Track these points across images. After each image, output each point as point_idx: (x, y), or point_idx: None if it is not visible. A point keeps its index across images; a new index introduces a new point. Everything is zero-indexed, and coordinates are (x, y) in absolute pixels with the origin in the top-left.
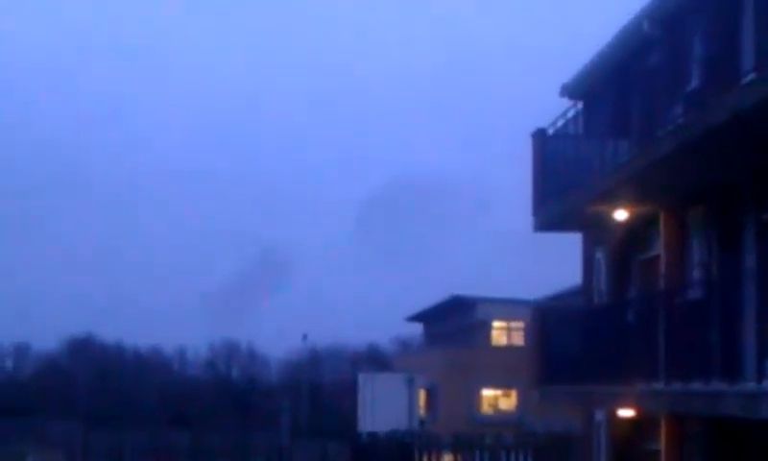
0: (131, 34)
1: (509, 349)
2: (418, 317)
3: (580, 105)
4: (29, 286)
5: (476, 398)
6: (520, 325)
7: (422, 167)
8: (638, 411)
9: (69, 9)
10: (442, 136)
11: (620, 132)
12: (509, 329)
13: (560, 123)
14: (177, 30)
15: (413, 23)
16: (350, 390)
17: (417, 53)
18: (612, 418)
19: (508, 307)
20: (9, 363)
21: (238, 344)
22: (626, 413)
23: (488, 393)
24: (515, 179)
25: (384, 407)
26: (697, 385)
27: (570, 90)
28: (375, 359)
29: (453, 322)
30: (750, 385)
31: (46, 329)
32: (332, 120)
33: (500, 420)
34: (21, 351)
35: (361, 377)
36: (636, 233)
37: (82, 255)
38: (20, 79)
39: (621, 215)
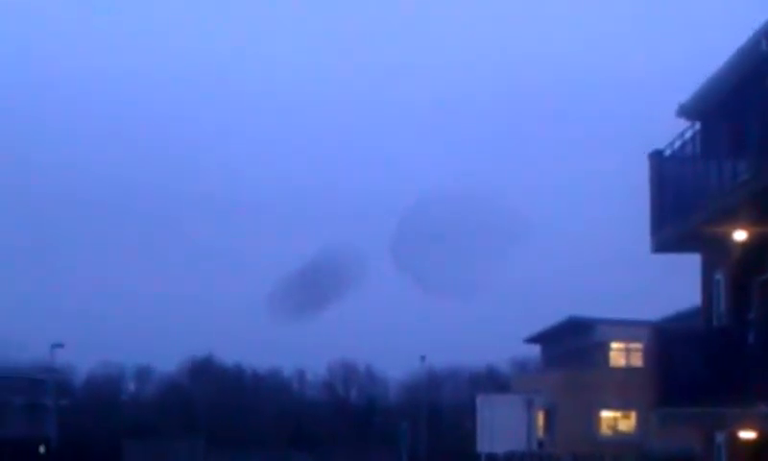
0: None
1: (627, 370)
2: (536, 338)
3: (698, 125)
4: (150, 310)
5: (595, 419)
6: (639, 346)
7: (535, 190)
8: (760, 433)
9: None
10: (552, 158)
11: (739, 152)
12: (627, 350)
13: (677, 144)
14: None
15: (519, 43)
16: (469, 411)
17: (530, 73)
18: (733, 440)
19: (626, 328)
20: (131, 385)
21: (356, 365)
22: (747, 435)
23: (606, 414)
24: (630, 200)
25: (503, 428)
26: None
27: (688, 111)
28: (494, 381)
29: (571, 343)
30: None
31: (167, 352)
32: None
33: (619, 441)
34: (143, 373)
35: (479, 399)
36: (756, 254)
37: (201, 279)
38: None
39: (741, 236)
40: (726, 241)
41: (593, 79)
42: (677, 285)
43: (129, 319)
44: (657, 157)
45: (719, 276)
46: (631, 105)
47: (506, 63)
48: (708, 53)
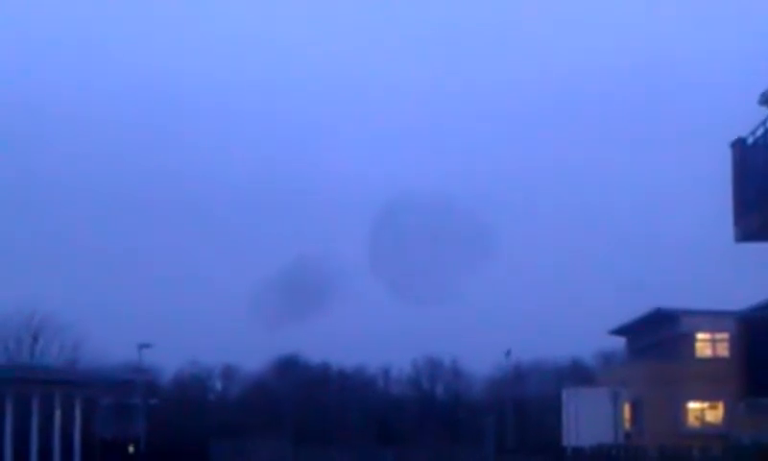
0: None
1: (714, 360)
2: (621, 330)
3: None
4: (236, 309)
5: (682, 410)
6: (725, 336)
7: (618, 183)
8: None
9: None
10: (635, 149)
11: None
12: (713, 341)
13: (759, 131)
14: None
15: (596, 28)
16: (555, 405)
17: (606, 63)
18: None
19: (712, 319)
20: (218, 385)
21: (442, 361)
22: None
23: (693, 406)
24: (714, 190)
25: (589, 422)
26: None
27: None
28: (579, 374)
29: (657, 334)
30: None
31: (253, 351)
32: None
33: (707, 432)
34: (230, 372)
35: (565, 392)
36: None
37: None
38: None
39: None
40: None
41: (673, 69)
42: (762, 275)
43: (215, 318)
44: (739, 145)
45: None
46: (711, 94)
47: (578, 54)
48: None
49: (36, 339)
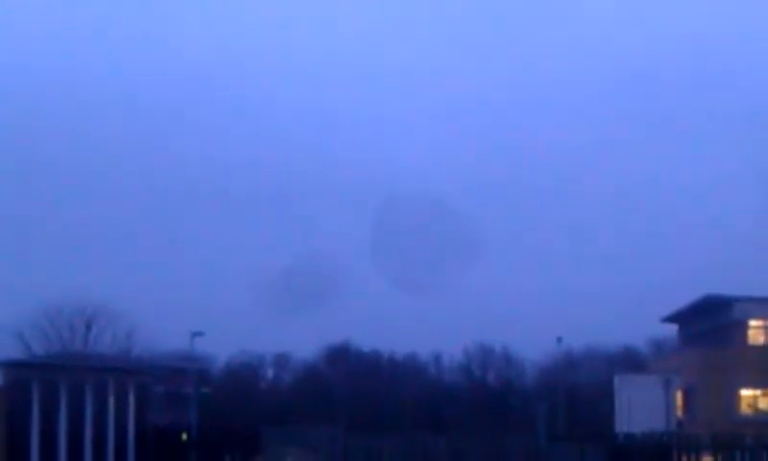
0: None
1: (767, 347)
2: (673, 318)
3: None
4: (287, 298)
5: (734, 398)
6: None
7: (671, 166)
8: None
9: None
10: (683, 132)
11: None
12: (766, 328)
13: None
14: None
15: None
16: (607, 392)
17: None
18: None
19: (765, 306)
20: (269, 373)
21: (493, 348)
22: None
23: (746, 393)
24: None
25: (641, 409)
26: None
27: None
28: (631, 361)
29: (709, 321)
30: None
31: (305, 339)
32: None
33: (760, 420)
34: (281, 360)
35: (618, 380)
36: None
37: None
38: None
39: None
40: None
41: (731, 55)
42: None
43: (266, 307)
44: None
45: None
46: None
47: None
48: None
49: (89, 328)
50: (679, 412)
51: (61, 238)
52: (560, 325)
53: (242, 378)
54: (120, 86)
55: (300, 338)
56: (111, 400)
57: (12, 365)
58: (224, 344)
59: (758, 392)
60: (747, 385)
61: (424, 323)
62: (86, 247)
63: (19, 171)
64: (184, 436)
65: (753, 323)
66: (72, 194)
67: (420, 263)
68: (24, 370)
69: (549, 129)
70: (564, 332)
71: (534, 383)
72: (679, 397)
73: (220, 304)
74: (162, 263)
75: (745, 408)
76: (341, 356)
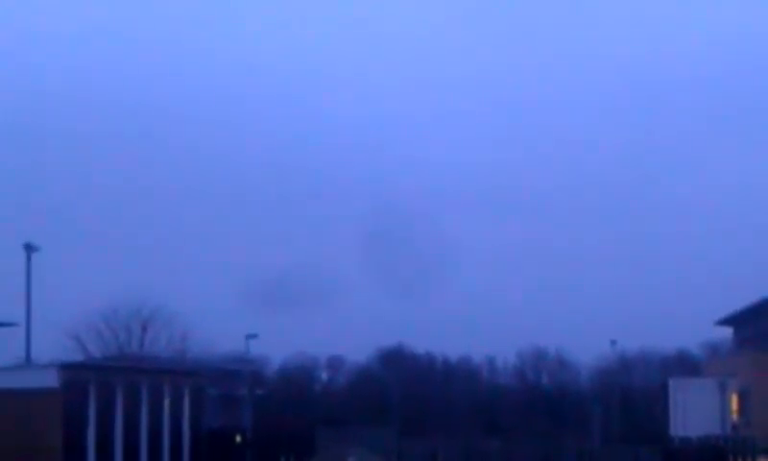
0: None
1: None
2: (728, 320)
3: None
4: (342, 301)
5: None
6: None
7: (725, 169)
8: None
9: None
10: (737, 136)
11: None
12: None
13: None
14: None
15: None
16: (661, 395)
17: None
18: None
19: None
20: (324, 375)
21: (546, 351)
22: None
23: None
24: None
25: (696, 412)
26: None
27: None
28: (685, 364)
29: (765, 324)
30: None
31: (358, 342)
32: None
33: None
34: (335, 363)
35: (672, 383)
36: None
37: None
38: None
39: None
40: None
41: None
42: None
43: (322, 309)
44: None
45: None
46: None
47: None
48: None
49: (145, 329)
50: (734, 416)
51: (118, 240)
52: (614, 327)
53: (296, 381)
54: (160, 90)
55: (354, 340)
56: (167, 403)
57: (69, 367)
58: (278, 346)
59: None
60: None
61: (478, 325)
62: (143, 249)
63: (75, 171)
64: (239, 438)
65: None
66: (130, 195)
67: (473, 267)
68: (81, 371)
69: (596, 127)
70: (618, 335)
71: (588, 386)
72: (734, 400)
73: (273, 306)
74: (217, 265)
75: None
76: (394, 359)
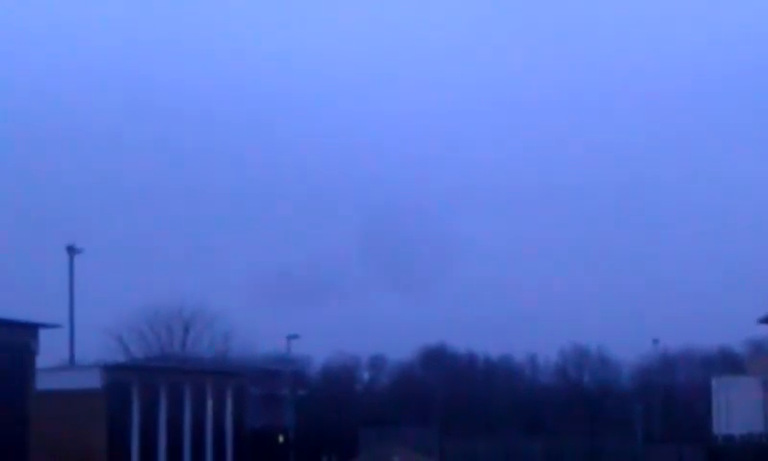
0: None
1: None
2: None
3: None
4: (384, 301)
5: None
6: None
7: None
8: None
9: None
10: None
11: None
12: None
13: None
14: None
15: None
16: (704, 393)
17: None
18: None
19: None
20: (365, 375)
21: (588, 349)
22: None
23: None
24: None
25: (738, 410)
26: None
27: None
28: (727, 362)
29: None
30: None
31: (401, 341)
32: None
33: None
34: (377, 362)
35: (715, 381)
36: None
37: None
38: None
39: None
40: None
41: None
42: None
43: (362, 310)
44: None
45: None
46: None
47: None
48: None
49: (187, 330)
50: None
51: (162, 242)
52: (656, 325)
53: (338, 380)
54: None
55: (396, 340)
56: (209, 403)
57: (113, 368)
58: (320, 346)
59: None
60: None
61: (519, 324)
62: (186, 250)
63: (118, 174)
64: (281, 438)
65: None
66: (173, 198)
67: (515, 266)
68: (124, 372)
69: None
70: (660, 333)
71: (630, 384)
72: None
73: (315, 307)
74: (256, 267)
75: None
76: (436, 358)
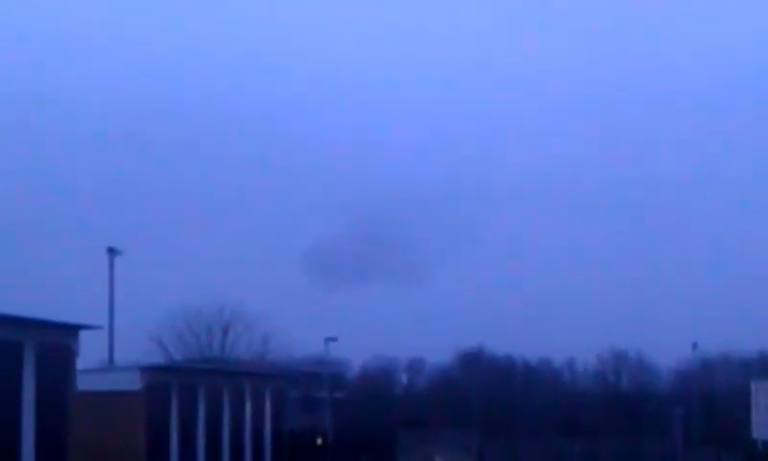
0: None
1: None
2: None
3: None
4: (422, 303)
5: None
6: None
7: None
8: None
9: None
10: None
11: None
12: None
13: None
14: None
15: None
16: (743, 398)
17: None
18: None
19: None
20: (404, 378)
21: (627, 353)
22: None
23: None
24: None
25: None
26: None
27: None
28: (766, 366)
29: None
30: None
31: (439, 344)
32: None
33: None
34: (416, 365)
35: (754, 385)
36: None
37: (469, 272)
38: None
39: None
40: None
41: None
42: None
43: (402, 312)
44: None
45: None
46: None
47: None
48: None
49: (226, 332)
50: None
51: (202, 245)
52: (695, 329)
53: (376, 383)
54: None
55: (435, 342)
56: (248, 405)
57: (152, 369)
58: (358, 349)
59: None
60: None
61: (558, 328)
62: (225, 253)
63: (156, 176)
64: (319, 441)
65: None
66: (213, 201)
67: (552, 269)
68: (163, 374)
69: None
70: (698, 337)
71: (669, 388)
72: None
73: (354, 310)
74: (297, 269)
75: None
76: (475, 361)
